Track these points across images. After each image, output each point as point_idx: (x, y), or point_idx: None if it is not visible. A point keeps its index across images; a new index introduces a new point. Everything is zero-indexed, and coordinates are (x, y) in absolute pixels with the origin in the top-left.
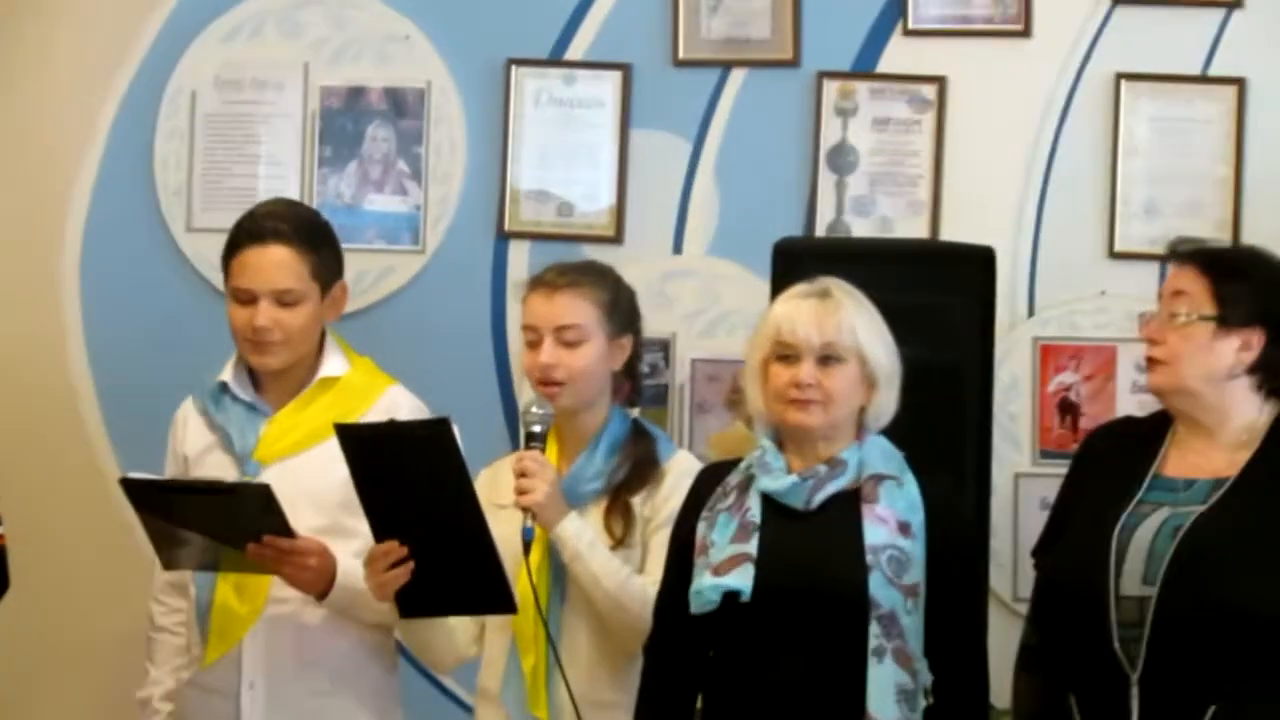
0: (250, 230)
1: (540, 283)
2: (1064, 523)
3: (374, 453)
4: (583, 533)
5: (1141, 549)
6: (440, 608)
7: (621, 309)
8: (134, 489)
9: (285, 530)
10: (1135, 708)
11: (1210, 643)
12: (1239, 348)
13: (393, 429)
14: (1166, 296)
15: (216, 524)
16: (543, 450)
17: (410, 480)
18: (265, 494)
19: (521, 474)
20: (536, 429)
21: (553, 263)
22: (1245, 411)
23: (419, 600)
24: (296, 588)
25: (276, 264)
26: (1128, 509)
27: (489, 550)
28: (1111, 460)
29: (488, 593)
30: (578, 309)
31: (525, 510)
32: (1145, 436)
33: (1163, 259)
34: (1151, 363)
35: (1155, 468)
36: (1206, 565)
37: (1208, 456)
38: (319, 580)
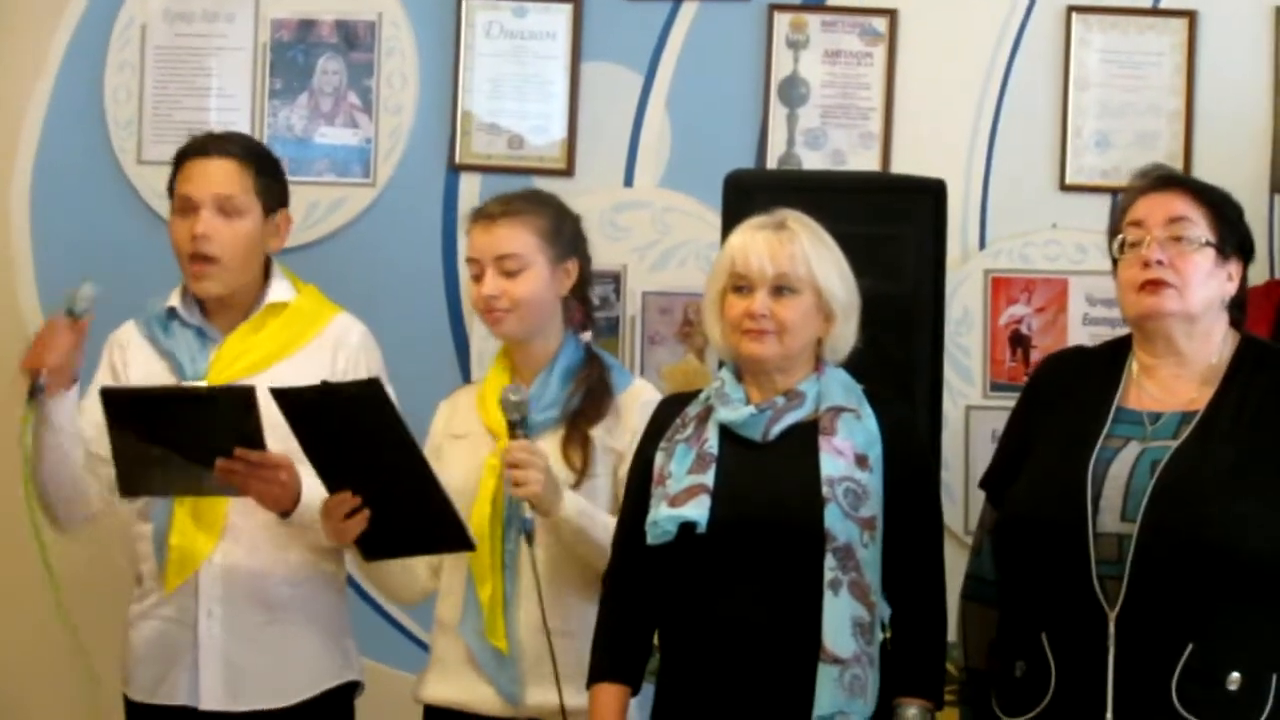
0: (196, 145)
1: (480, 214)
2: (1019, 455)
3: (312, 413)
4: (581, 508)
5: (1118, 485)
6: (401, 549)
7: (564, 234)
8: (114, 399)
9: (259, 440)
10: (1112, 645)
11: (1191, 580)
12: (1227, 278)
13: (325, 391)
14: (1161, 221)
15: (191, 436)
16: (527, 437)
17: (351, 437)
18: (247, 398)
19: (513, 465)
20: (517, 416)
21: (483, 194)
22: (1217, 343)
23: (379, 544)
24: (263, 504)
25: (219, 173)
26: (1098, 443)
27: (439, 495)
28: (1069, 392)
29: (444, 533)
30: (516, 238)
31: (523, 501)
32: (1102, 367)
33: (1115, 191)
34: (1157, 285)
35: (1117, 400)
36: (1188, 501)
37: (1172, 389)
38: (285, 497)
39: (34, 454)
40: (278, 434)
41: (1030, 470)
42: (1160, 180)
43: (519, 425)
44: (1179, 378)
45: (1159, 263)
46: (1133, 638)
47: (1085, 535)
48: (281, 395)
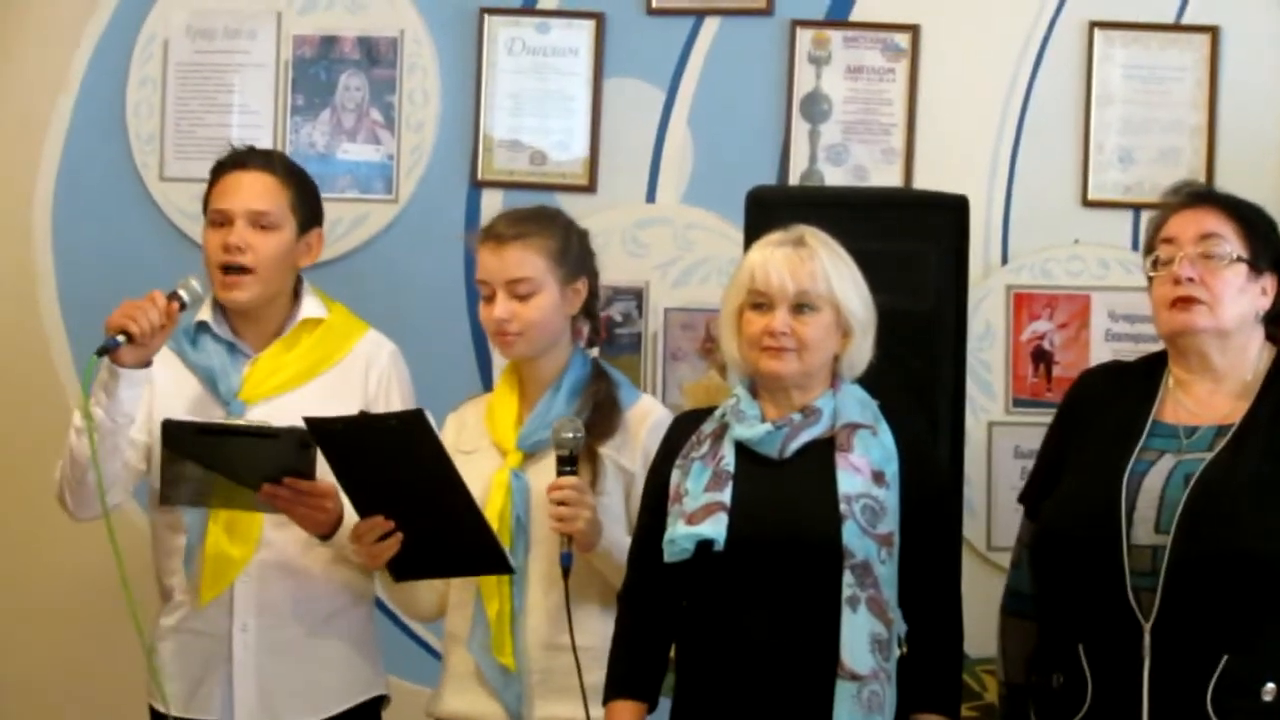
0: (235, 158)
1: (489, 235)
2: (1056, 469)
3: (348, 443)
4: (617, 539)
5: (1152, 497)
6: (433, 571)
7: (572, 253)
8: (174, 430)
9: (310, 474)
10: (1148, 657)
11: (1225, 591)
12: (1260, 292)
13: (366, 421)
14: (1192, 238)
15: (244, 466)
16: (575, 473)
17: (390, 467)
18: (305, 440)
19: (561, 503)
20: (566, 453)
21: (501, 211)
22: (1253, 357)
23: (410, 566)
24: (305, 529)
25: (256, 187)
26: (1133, 456)
27: (480, 522)
28: (1106, 406)
29: (481, 558)
30: (527, 261)
31: (564, 535)
32: (1138, 382)
33: (1138, 207)
34: (1189, 302)
35: (1154, 414)
36: (1221, 513)
37: (1208, 403)
38: (328, 523)
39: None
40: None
41: (1066, 484)
42: (1192, 196)
43: (568, 461)
44: (1214, 392)
45: (1190, 280)
46: (1168, 649)
47: (1120, 547)
48: (316, 424)
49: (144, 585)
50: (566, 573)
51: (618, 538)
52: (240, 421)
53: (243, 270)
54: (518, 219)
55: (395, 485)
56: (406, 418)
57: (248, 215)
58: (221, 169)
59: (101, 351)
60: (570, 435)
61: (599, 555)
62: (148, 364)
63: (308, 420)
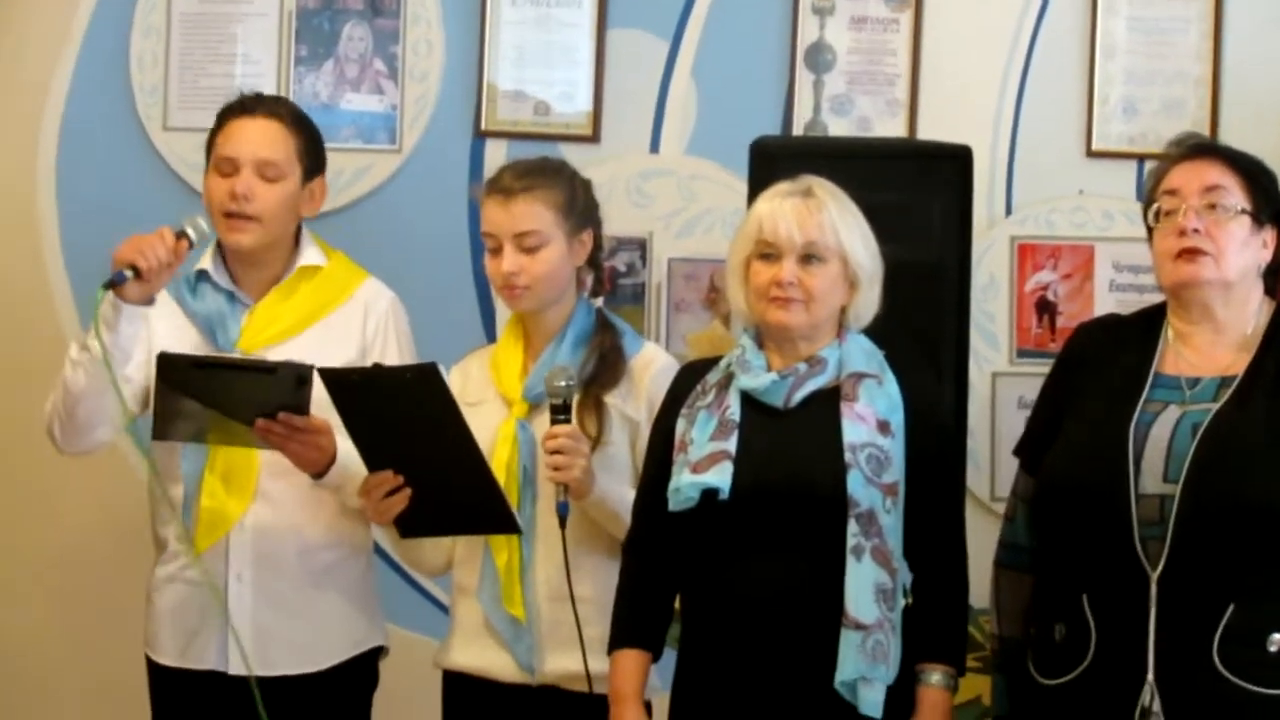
0: (243, 103)
1: (496, 188)
2: (1054, 423)
3: (360, 395)
4: (610, 487)
5: (1160, 447)
6: (440, 529)
7: (579, 205)
8: (169, 364)
9: (305, 410)
10: (1153, 607)
11: (1233, 541)
12: (1261, 245)
13: (379, 374)
14: (1197, 190)
15: (238, 400)
16: (569, 422)
17: (401, 420)
18: (303, 375)
19: (556, 451)
20: (560, 401)
21: (506, 163)
22: (1253, 310)
23: (417, 523)
24: (298, 464)
25: (264, 135)
26: (1138, 407)
27: (489, 480)
28: (1106, 359)
29: (489, 516)
30: (535, 214)
31: (559, 485)
32: (1138, 334)
33: (1142, 158)
34: (1194, 253)
35: (1155, 365)
36: (1229, 463)
37: (1209, 355)
38: (321, 460)
39: (83, 374)
40: (321, 403)
41: (1069, 435)
42: (1195, 149)
43: (562, 410)
44: (1215, 344)
45: (1195, 231)
46: (1174, 599)
47: (1128, 497)
48: (329, 375)
49: (142, 537)
50: (563, 522)
51: (618, 489)
52: (236, 356)
53: (247, 217)
54: (524, 171)
55: (406, 439)
56: (421, 371)
57: (255, 164)
58: (229, 114)
59: (109, 285)
60: (563, 384)
61: (594, 504)
62: (151, 301)
63: (321, 371)
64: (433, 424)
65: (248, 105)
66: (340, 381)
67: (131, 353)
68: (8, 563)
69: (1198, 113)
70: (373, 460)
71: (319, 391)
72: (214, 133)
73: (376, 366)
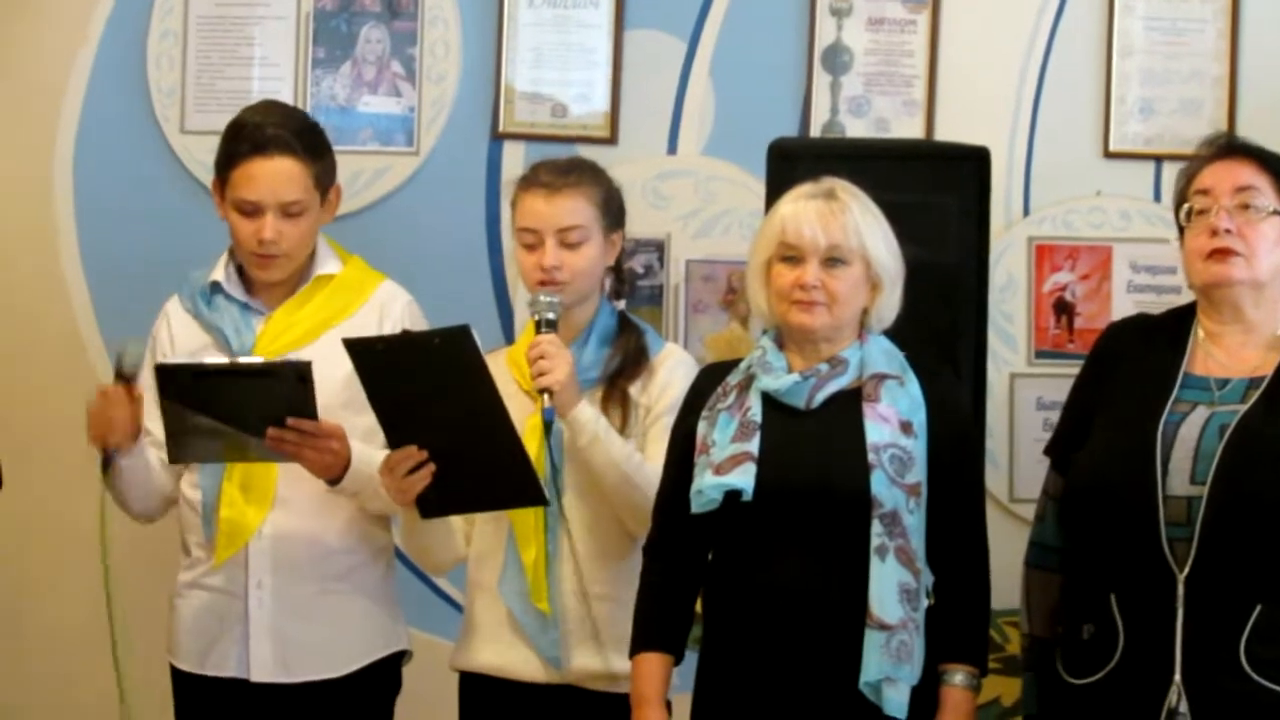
0: (254, 141)
1: (536, 183)
2: (1085, 421)
3: (387, 364)
4: (598, 417)
5: (1188, 448)
6: (463, 506)
7: (614, 205)
8: (167, 375)
9: (311, 411)
10: (1181, 607)
11: (1261, 541)
12: None
13: (409, 340)
14: (1229, 189)
15: (244, 408)
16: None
17: (429, 388)
18: (302, 372)
19: (540, 357)
20: (550, 316)
21: (539, 161)
22: None
23: (441, 501)
24: (313, 472)
25: (283, 176)
26: (1166, 408)
27: (516, 446)
28: (1136, 359)
29: (516, 487)
30: (579, 209)
31: (544, 392)
32: (1168, 334)
33: (1159, 158)
34: (1226, 253)
35: (1185, 366)
36: (1259, 464)
37: (1238, 355)
38: (336, 465)
39: (118, 498)
40: (324, 402)
41: (1098, 435)
42: (1226, 148)
43: (548, 323)
44: (1245, 344)
45: (1226, 231)
46: (1201, 599)
47: (1155, 497)
48: (354, 345)
49: (172, 541)
50: (549, 428)
51: (623, 441)
52: (232, 361)
53: (275, 255)
54: (566, 168)
55: (432, 409)
56: (451, 333)
57: (278, 206)
58: (240, 154)
59: (106, 468)
60: (547, 300)
61: (593, 440)
62: (137, 437)
63: (347, 341)
64: (461, 390)
65: (259, 144)
66: (366, 350)
67: (145, 455)
68: (36, 566)
69: (1215, 113)
70: (396, 436)
71: (326, 393)
72: (226, 166)
73: (405, 332)
